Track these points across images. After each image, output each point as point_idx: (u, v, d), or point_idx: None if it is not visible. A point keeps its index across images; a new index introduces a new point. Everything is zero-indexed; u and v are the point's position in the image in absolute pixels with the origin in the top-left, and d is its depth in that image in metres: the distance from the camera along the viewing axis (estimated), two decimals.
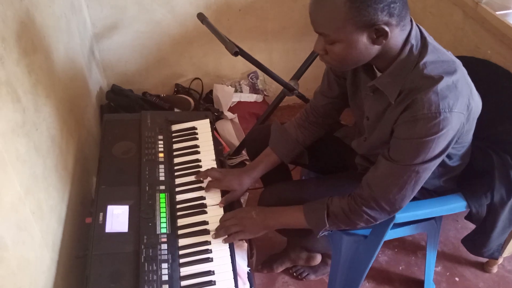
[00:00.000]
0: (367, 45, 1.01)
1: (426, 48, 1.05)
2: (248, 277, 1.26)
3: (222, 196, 1.37)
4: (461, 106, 1.03)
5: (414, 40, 1.05)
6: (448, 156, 1.21)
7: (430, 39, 1.08)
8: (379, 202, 1.13)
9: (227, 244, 1.24)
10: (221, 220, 1.28)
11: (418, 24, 1.09)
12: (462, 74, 1.06)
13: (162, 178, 1.36)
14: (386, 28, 0.98)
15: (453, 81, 1.02)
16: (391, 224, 1.28)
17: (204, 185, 1.38)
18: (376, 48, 1.03)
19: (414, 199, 1.31)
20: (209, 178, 1.39)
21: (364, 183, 1.16)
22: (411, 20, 1.06)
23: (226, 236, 1.24)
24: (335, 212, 1.19)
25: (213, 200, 1.35)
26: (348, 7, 0.95)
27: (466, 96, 1.05)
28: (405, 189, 1.11)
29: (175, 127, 1.57)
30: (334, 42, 1.02)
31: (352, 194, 1.18)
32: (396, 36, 1.02)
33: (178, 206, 1.32)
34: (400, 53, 1.05)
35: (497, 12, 1.47)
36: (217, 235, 1.24)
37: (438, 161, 1.09)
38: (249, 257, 1.34)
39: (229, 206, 1.37)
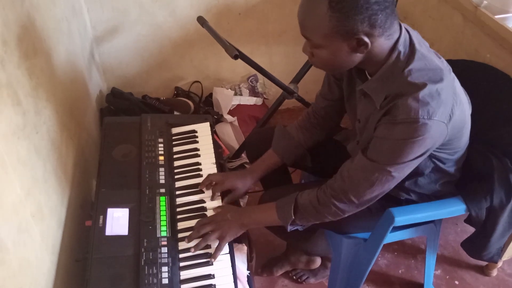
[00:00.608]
0: (348, 52, 1.04)
1: (414, 55, 1.06)
2: (248, 281, 1.26)
3: (222, 197, 1.37)
4: (443, 115, 1.04)
5: (402, 47, 1.06)
6: (441, 161, 1.22)
7: (419, 46, 1.08)
8: (348, 194, 1.15)
9: (227, 247, 1.24)
10: (196, 226, 1.26)
11: (411, 30, 1.11)
12: (448, 82, 1.07)
13: (162, 181, 1.36)
14: (366, 39, 1.00)
15: (437, 89, 1.03)
16: (391, 227, 1.28)
17: (205, 194, 1.37)
18: (358, 56, 1.05)
19: (413, 202, 1.32)
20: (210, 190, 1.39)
21: (338, 174, 1.18)
22: (400, 27, 1.07)
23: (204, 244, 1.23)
24: (304, 204, 1.21)
25: (213, 203, 1.35)
26: (329, 15, 0.98)
27: (449, 105, 1.05)
28: (375, 185, 1.12)
29: (175, 130, 1.57)
30: (318, 47, 1.05)
31: (322, 186, 1.20)
32: (381, 45, 1.04)
33: (178, 209, 1.32)
34: (387, 59, 1.07)
35: (497, 16, 1.47)
36: (196, 246, 1.22)
37: (413, 164, 1.10)
38: (249, 260, 1.34)
39: None
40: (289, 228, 1.25)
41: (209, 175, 1.40)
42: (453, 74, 1.12)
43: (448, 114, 1.05)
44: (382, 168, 1.10)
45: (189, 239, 1.23)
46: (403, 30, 1.07)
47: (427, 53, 1.09)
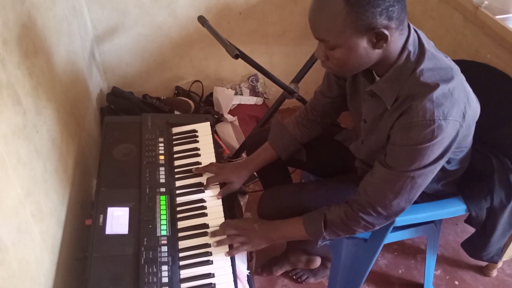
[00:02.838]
0: (367, 49, 1.01)
1: (424, 55, 1.05)
2: (247, 280, 1.26)
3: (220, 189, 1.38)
4: (457, 114, 1.03)
5: (412, 46, 1.05)
6: (447, 161, 1.21)
7: (428, 45, 1.08)
8: (376, 207, 1.13)
9: (227, 246, 1.24)
10: (223, 225, 1.27)
11: (418, 30, 1.10)
12: (459, 81, 1.06)
13: (162, 181, 1.36)
14: (386, 32, 0.98)
15: (449, 88, 1.02)
16: (391, 228, 1.28)
17: (206, 194, 1.38)
18: (376, 53, 1.03)
19: (414, 202, 1.31)
20: (208, 175, 1.40)
21: (361, 188, 1.17)
22: (409, 26, 1.06)
23: (227, 248, 1.24)
24: (333, 220, 1.19)
25: (213, 202, 1.35)
26: (346, 11, 0.95)
27: (462, 104, 1.05)
28: (401, 194, 1.11)
29: (175, 129, 1.57)
30: (334, 48, 1.02)
31: (349, 201, 1.19)
32: (396, 40, 1.02)
33: (178, 209, 1.33)
34: (397, 59, 1.06)
35: (497, 17, 1.47)
36: (219, 243, 1.24)
37: (436, 167, 1.09)
38: (249, 260, 1.35)
39: (229, 210, 1.37)
40: (319, 243, 1.24)
41: (205, 166, 1.42)
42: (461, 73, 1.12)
43: (462, 113, 1.05)
44: (405, 175, 1.08)
45: (213, 234, 1.25)
46: (412, 29, 1.07)
47: (436, 53, 1.09)
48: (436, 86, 1.01)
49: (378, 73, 1.13)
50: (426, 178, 1.10)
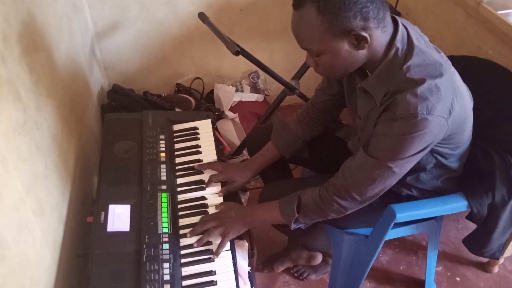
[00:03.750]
0: (350, 51, 1.04)
1: (412, 51, 1.06)
2: (249, 277, 1.26)
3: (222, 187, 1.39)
4: (442, 110, 1.04)
5: (400, 43, 1.07)
6: (443, 156, 1.22)
7: (417, 41, 1.08)
8: (350, 192, 1.16)
9: (229, 244, 1.24)
10: (200, 222, 1.27)
11: (409, 25, 1.11)
12: (448, 77, 1.07)
13: (163, 178, 1.36)
14: (364, 34, 1.00)
15: (436, 84, 1.03)
16: (392, 224, 1.28)
17: (207, 191, 1.38)
18: (361, 53, 1.05)
19: (415, 199, 1.31)
20: (210, 172, 1.40)
21: (340, 171, 1.19)
22: (397, 24, 1.07)
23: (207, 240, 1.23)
24: (306, 202, 1.22)
25: (214, 200, 1.35)
26: (320, 20, 0.99)
27: (449, 100, 1.05)
28: (377, 182, 1.13)
29: (176, 127, 1.57)
30: (319, 54, 1.07)
31: (324, 184, 1.21)
32: (379, 38, 1.04)
33: (179, 206, 1.32)
34: (385, 56, 1.07)
35: (499, 12, 1.47)
36: (199, 241, 1.22)
37: (414, 160, 1.10)
38: (250, 256, 1.34)
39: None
40: (293, 226, 1.26)
41: (209, 163, 1.42)
42: (453, 68, 1.12)
43: (448, 109, 1.05)
44: (383, 164, 1.10)
45: (192, 233, 1.24)
46: (400, 26, 1.08)
47: (426, 48, 1.09)
48: (422, 81, 1.03)
49: (369, 70, 1.14)
50: (404, 168, 1.12)
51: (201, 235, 1.24)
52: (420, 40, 1.10)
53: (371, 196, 1.16)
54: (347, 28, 0.99)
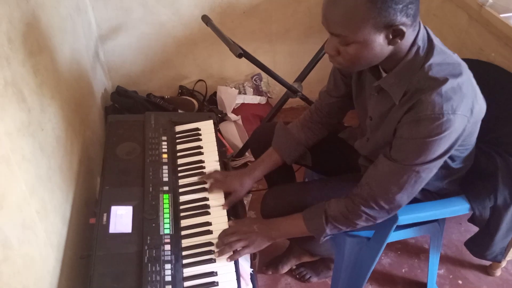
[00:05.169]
0: (382, 45, 1.01)
1: (433, 50, 1.05)
2: (251, 279, 1.26)
3: (225, 197, 1.37)
4: (465, 108, 1.03)
5: (421, 41, 1.05)
6: (451, 158, 1.21)
7: (436, 41, 1.08)
8: (378, 201, 1.13)
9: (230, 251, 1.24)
10: (222, 236, 1.25)
11: (426, 26, 1.10)
12: (467, 77, 1.06)
13: (165, 179, 1.36)
14: (404, 28, 0.97)
15: (458, 83, 1.02)
16: (394, 226, 1.28)
17: (207, 186, 1.39)
18: (389, 49, 1.03)
19: (417, 201, 1.31)
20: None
21: (363, 181, 1.16)
22: (419, 22, 1.06)
23: (231, 253, 1.22)
24: (334, 215, 1.19)
25: (216, 201, 1.35)
26: (368, 7, 0.93)
27: (470, 99, 1.04)
28: (405, 188, 1.10)
29: (178, 128, 1.57)
30: (349, 43, 1.00)
31: (349, 195, 1.18)
32: (409, 36, 1.02)
33: (181, 207, 1.33)
34: (407, 54, 1.05)
35: (501, 15, 1.47)
36: (220, 252, 1.22)
37: (440, 162, 1.09)
38: (252, 258, 1.35)
39: (232, 209, 1.38)
40: (322, 239, 1.23)
41: (210, 173, 1.40)
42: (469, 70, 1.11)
43: (470, 108, 1.04)
44: (410, 169, 1.08)
45: (216, 249, 1.23)
46: (421, 24, 1.06)
47: (444, 48, 1.08)
48: (445, 80, 1.01)
49: (385, 69, 1.12)
50: (430, 172, 1.10)
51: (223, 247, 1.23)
52: (438, 40, 1.09)
53: (400, 204, 1.13)
54: (391, 22, 0.95)
